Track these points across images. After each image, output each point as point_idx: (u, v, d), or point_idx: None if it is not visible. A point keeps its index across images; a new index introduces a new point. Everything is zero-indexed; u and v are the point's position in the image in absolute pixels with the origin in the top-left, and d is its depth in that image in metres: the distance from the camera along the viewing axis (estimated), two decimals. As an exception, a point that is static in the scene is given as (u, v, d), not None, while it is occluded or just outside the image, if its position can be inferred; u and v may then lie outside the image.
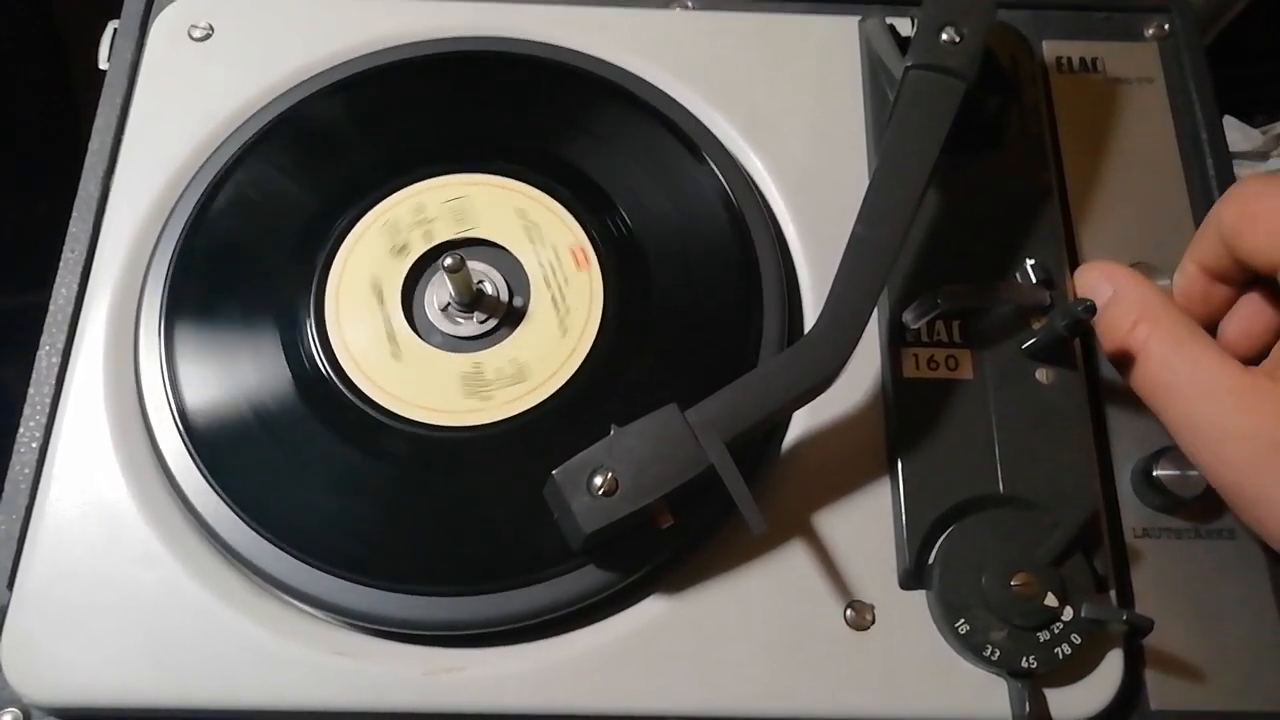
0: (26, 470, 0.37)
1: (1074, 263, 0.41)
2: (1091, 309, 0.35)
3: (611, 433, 0.33)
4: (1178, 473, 0.36)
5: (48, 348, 0.39)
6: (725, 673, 0.35)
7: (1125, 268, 0.38)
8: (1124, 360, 0.36)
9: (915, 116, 0.37)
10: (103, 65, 0.45)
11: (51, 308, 0.40)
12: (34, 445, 0.38)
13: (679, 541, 0.35)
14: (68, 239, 0.41)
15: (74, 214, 0.41)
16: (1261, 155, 0.96)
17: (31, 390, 0.39)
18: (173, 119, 0.42)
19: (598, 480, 0.33)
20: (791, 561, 0.36)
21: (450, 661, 0.34)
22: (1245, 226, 0.34)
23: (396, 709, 0.34)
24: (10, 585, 0.35)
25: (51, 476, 0.37)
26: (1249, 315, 0.37)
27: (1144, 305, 0.35)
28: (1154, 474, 0.37)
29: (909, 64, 0.38)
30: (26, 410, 0.38)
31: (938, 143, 0.37)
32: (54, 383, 0.38)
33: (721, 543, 0.36)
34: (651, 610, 0.35)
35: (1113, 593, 0.36)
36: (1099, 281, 0.37)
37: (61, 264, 0.41)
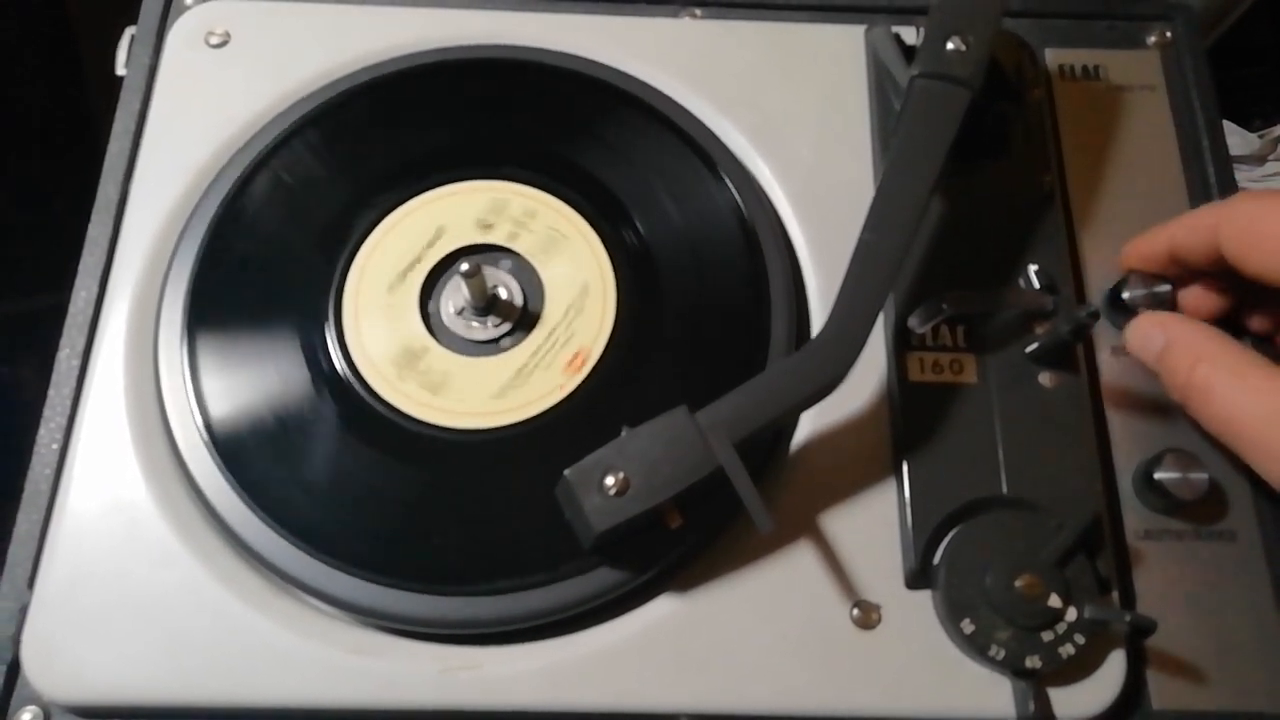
0: (47, 471, 0.38)
1: (1077, 268, 0.42)
2: (1095, 314, 0.36)
3: (623, 434, 0.34)
4: (1179, 475, 0.37)
5: (67, 350, 0.40)
6: (734, 671, 0.35)
7: (1176, 314, 0.38)
8: (1190, 402, 0.36)
9: (922, 125, 0.38)
10: (120, 71, 0.45)
11: (71, 310, 0.40)
12: (54, 446, 0.38)
13: (689, 541, 0.36)
14: (87, 242, 0.41)
15: (93, 218, 0.42)
16: (1259, 160, 0.96)
17: (52, 391, 0.39)
18: (191, 124, 0.43)
19: (609, 480, 0.33)
20: (799, 561, 0.37)
21: (466, 660, 0.35)
22: (1251, 250, 0.35)
23: (413, 707, 0.34)
24: (31, 585, 0.36)
25: (72, 477, 0.37)
26: (1199, 296, 0.40)
27: (1200, 346, 0.36)
28: (1155, 477, 0.37)
29: (915, 73, 0.39)
30: (46, 411, 0.39)
31: (944, 150, 0.37)
32: (74, 384, 0.39)
33: (730, 543, 0.37)
34: (662, 609, 0.36)
35: (1115, 594, 0.36)
36: (1152, 331, 0.38)
37: (80, 267, 0.41)
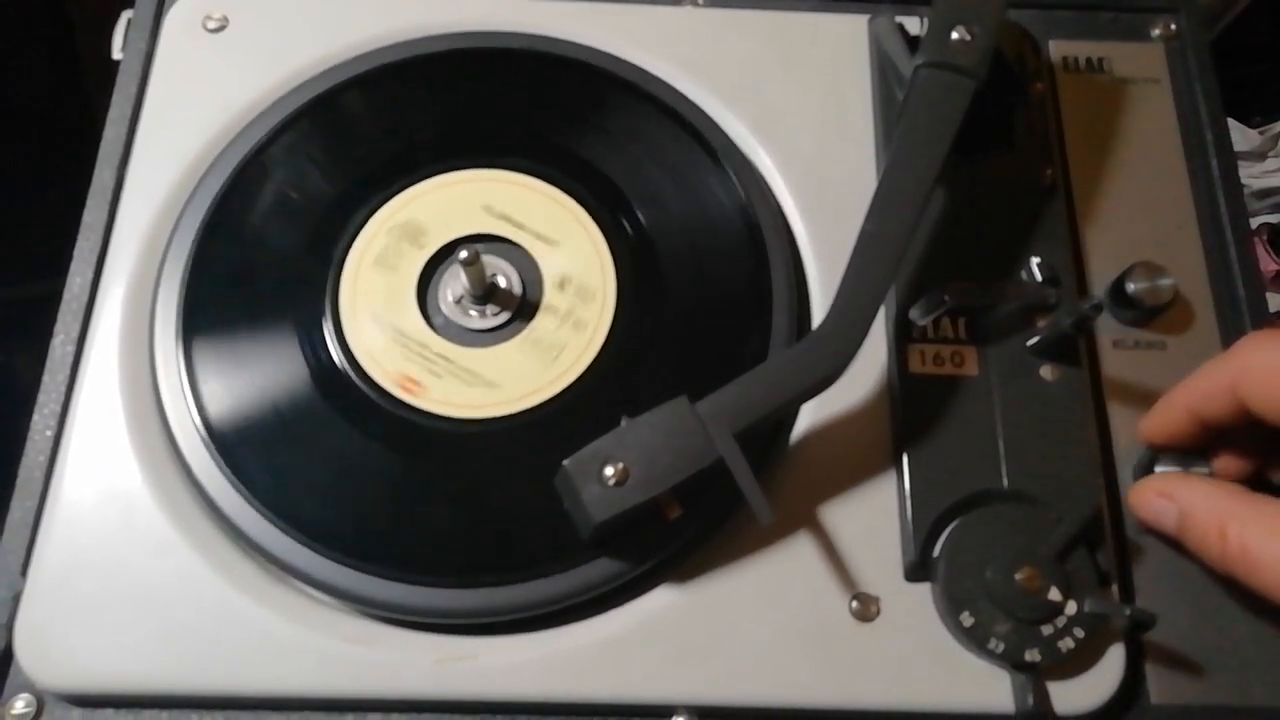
0: (41, 458, 0.38)
1: (1079, 261, 0.41)
2: (1098, 307, 0.36)
3: (622, 424, 0.34)
4: (1180, 469, 0.37)
5: (62, 336, 0.39)
6: (732, 663, 0.35)
7: (1174, 476, 0.37)
8: (1235, 571, 0.34)
9: (925, 115, 0.38)
10: (116, 55, 0.45)
11: (66, 296, 0.40)
12: (48, 433, 0.38)
13: (688, 533, 0.36)
14: (82, 228, 0.41)
15: (88, 203, 0.41)
16: (1259, 155, 0.97)
17: (46, 378, 0.39)
18: (187, 110, 0.43)
19: (609, 470, 0.33)
20: (798, 553, 0.36)
21: (462, 650, 0.35)
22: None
23: (409, 697, 0.34)
24: (24, 572, 0.36)
25: (66, 464, 0.37)
26: (1237, 450, 0.37)
27: (1221, 509, 0.34)
28: (1156, 470, 0.37)
29: (920, 62, 0.38)
30: (41, 398, 0.38)
31: (947, 141, 0.37)
32: (69, 370, 0.39)
33: (730, 533, 0.37)
34: (660, 600, 0.36)
35: (1115, 588, 0.36)
36: (1159, 504, 0.36)
37: (76, 253, 0.41)
